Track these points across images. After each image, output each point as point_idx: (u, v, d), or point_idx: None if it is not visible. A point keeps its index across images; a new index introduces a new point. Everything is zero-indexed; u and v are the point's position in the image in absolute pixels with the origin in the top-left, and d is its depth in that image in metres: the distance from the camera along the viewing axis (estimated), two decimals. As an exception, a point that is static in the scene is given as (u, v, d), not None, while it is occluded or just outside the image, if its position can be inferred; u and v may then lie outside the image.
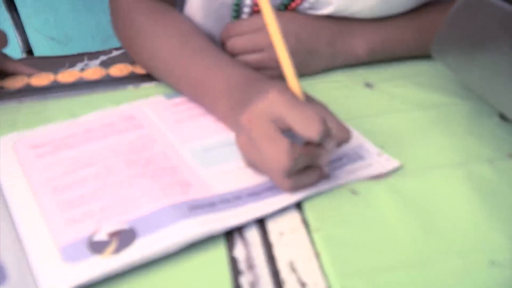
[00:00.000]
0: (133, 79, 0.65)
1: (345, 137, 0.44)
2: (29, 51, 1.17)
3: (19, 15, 1.16)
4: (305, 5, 0.60)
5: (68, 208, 0.44)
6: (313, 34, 0.60)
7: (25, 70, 0.66)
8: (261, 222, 0.43)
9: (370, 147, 0.50)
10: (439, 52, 0.55)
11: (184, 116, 0.56)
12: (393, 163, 0.48)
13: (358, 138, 0.51)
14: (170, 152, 0.51)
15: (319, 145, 0.43)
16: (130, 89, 0.63)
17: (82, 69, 0.69)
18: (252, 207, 0.44)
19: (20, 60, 0.69)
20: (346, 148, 0.50)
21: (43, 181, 0.48)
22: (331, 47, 0.61)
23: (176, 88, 0.59)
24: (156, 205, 0.44)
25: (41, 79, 0.65)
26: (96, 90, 0.63)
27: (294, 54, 0.58)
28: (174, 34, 0.59)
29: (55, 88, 0.64)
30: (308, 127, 0.41)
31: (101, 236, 0.41)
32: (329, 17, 0.61)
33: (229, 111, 0.51)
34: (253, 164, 0.46)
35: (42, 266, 0.39)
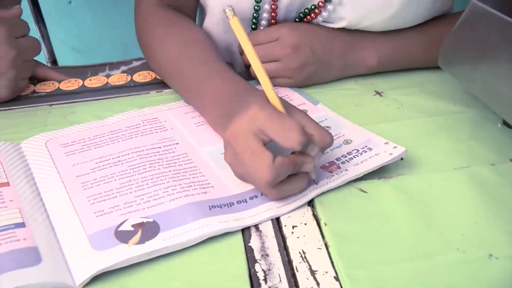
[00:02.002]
0: (155, 85, 0.69)
1: (327, 142, 0.46)
2: (53, 61, 1.22)
3: (46, 27, 1.21)
4: (319, 18, 0.64)
5: (97, 202, 0.48)
6: (326, 45, 0.63)
7: (55, 76, 0.71)
8: (275, 217, 0.46)
9: (377, 139, 0.53)
10: (445, 62, 0.58)
11: (203, 120, 0.60)
12: (400, 149, 0.51)
13: (366, 134, 0.54)
14: (190, 154, 0.54)
15: (303, 153, 0.45)
16: (152, 94, 0.67)
17: (108, 75, 0.72)
18: (266, 207, 0.47)
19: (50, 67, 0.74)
20: (356, 143, 0.53)
21: (72, 176, 0.51)
22: (343, 59, 0.64)
23: (177, 92, 0.63)
24: (177, 202, 0.47)
25: (70, 84, 0.70)
26: (121, 94, 0.67)
27: (308, 64, 0.63)
28: (181, 42, 0.63)
29: (83, 93, 0.68)
30: (288, 138, 0.43)
31: (127, 227, 0.45)
32: (342, 30, 0.64)
33: (217, 120, 0.54)
34: (241, 176, 0.49)
35: (73, 252, 0.42)
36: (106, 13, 1.66)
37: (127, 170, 0.52)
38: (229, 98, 0.53)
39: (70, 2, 1.62)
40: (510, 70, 0.48)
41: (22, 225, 0.45)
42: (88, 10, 1.64)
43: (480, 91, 0.54)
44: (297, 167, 0.46)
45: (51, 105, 0.66)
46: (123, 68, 1.34)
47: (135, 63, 1.20)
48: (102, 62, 1.39)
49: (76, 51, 1.65)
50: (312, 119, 0.47)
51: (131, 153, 0.54)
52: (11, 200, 0.48)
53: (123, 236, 0.44)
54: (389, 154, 0.50)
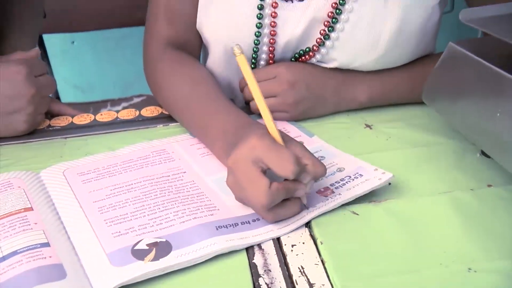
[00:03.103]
0: (162, 119, 0.74)
1: (321, 172, 0.51)
2: (56, 98, 1.28)
3: (50, 66, 1.28)
4: (313, 60, 0.70)
5: (114, 224, 0.52)
6: (321, 83, 0.69)
7: (68, 111, 0.76)
8: (276, 237, 0.51)
9: (368, 167, 0.59)
10: (429, 98, 0.64)
11: (207, 151, 0.65)
12: (388, 175, 0.56)
13: (357, 162, 0.60)
14: (197, 181, 0.59)
15: (296, 180, 0.50)
16: (160, 128, 0.72)
17: (117, 110, 0.78)
18: (268, 229, 0.52)
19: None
20: (348, 170, 0.58)
21: (90, 202, 0.56)
22: (336, 95, 0.70)
23: (186, 128, 0.69)
24: (187, 224, 0.52)
25: (83, 119, 0.75)
26: (131, 128, 0.72)
27: (304, 100, 0.68)
28: (188, 82, 0.69)
29: (95, 126, 0.73)
30: (283, 167, 0.49)
31: (142, 246, 0.49)
32: (335, 69, 0.70)
33: (222, 152, 0.59)
34: (241, 200, 0.54)
35: (94, 268, 0.47)
36: (107, 53, 1.73)
37: (139, 196, 0.57)
38: (233, 131, 0.58)
39: (73, 42, 1.69)
40: (485, 107, 0.54)
41: (47, 244, 0.49)
42: (90, 50, 1.71)
43: (460, 124, 0.59)
44: (290, 193, 0.51)
45: (65, 138, 0.71)
46: (124, 104, 1.40)
47: (136, 100, 1.26)
48: (103, 99, 1.45)
49: (78, 88, 1.71)
50: (307, 150, 0.52)
51: (143, 181, 0.59)
52: (35, 223, 0.52)
53: (139, 254, 0.48)
54: (378, 179, 0.55)
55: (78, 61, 1.70)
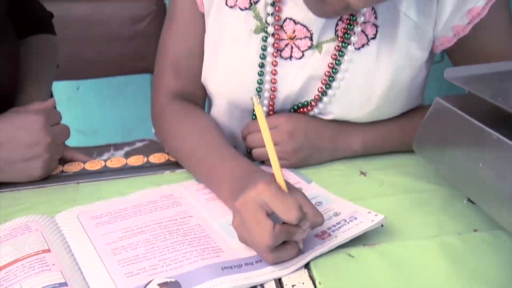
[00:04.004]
0: (169, 165, 0.79)
1: (319, 222, 0.56)
2: (61, 142, 1.34)
3: (56, 110, 1.33)
4: (311, 113, 0.75)
5: (126, 265, 0.56)
6: (318, 133, 0.74)
7: (80, 157, 0.81)
8: (277, 277, 0.55)
9: (361, 210, 0.63)
10: (418, 147, 0.69)
11: (212, 196, 0.70)
12: (380, 217, 0.60)
13: (352, 207, 0.64)
14: (203, 225, 0.64)
15: (296, 225, 0.55)
16: (167, 174, 0.77)
17: (126, 156, 0.82)
18: (270, 269, 0.56)
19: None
20: (344, 215, 0.63)
21: (103, 244, 0.60)
22: (332, 144, 0.75)
23: (194, 175, 0.73)
24: (195, 265, 0.56)
25: (94, 165, 0.79)
26: (139, 174, 0.77)
27: (302, 148, 0.73)
28: (195, 131, 0.74)
29: (106, 172, 0.78)
30: (288, 213, 0.53)
31: (154, 285, 0.53)
32: (331, 120, 0.75)
33: (229, 196, 0.63)
34: (244, 241, 0.58)
35: (110, 306, 0.51)
36: (110, 99, 1.80)
37: (150, 238, 0.61)
38: (240, 177, 0.63)
39: (78, 88, 1.76)
40: (469, 157, 0.59)
41: (65, 284, 0.53)
42: (94, 96, 1.78)
43: (447, 172, 0.64)
44: (290, 236, 0.55)
45: (78, 183, 0.75)
46: (127, 149, 1.46)
47: (138, 144, 1.31)
48: (107, 143, 1.50)
49: (82, 133, 1.76)
50: (308, 200, 0.57)
51: (153, 224, 0.63)
52: (53, 264, 0.56)
53: (151, 293, 0.52)
54: (371, 221, 0.60)
55: (82, 106, 1.77)
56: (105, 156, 1.55)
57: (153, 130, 1.55)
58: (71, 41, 1.35)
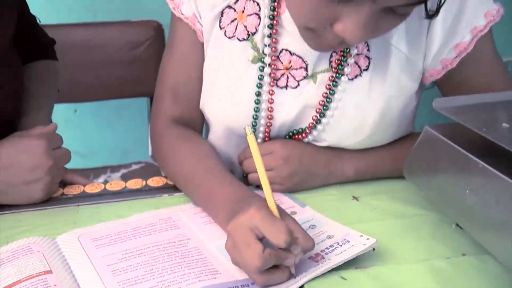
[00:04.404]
0: (167, 189, 0.81)
1: (309, 246, 0.58)
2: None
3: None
4: (305, 140, 0.78)
5: (126, 286, 0.58)
6: (312, 159, 0.77)
7: (80, 181, 0.82)
8: (273, 299, 0.57)
9: (354, 233, 0.65)
10: (409, 173, 0.71)
11: (209, 219, 0.72)
12: (372, 241, 0.62)
13: (345, 230, 0.66)
14: (200, 247, 0.66)
15: (287, 249, 0.57)
16: (165, 197, 0.79)
17: (125, 180, 0.84)
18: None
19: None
20: (337, 238, 0.65)
21: (104, 265, 0.62)
22: (326, 169, 0.78)
23: (191, 198, 0.75)
24: (193, 286, 0.58)
25: (93, 188, 0.81)
26: (138, 197, 0.79)
27: (297, 174, 0.76)
28: (193, 156, 0.76)
29: (105, 195, 0.80)
30: (277, 237, 0.56)
31: (153, 306, 0.55)
32: (325, 147, 0.78)
33: (225, 220, 0.65)
34: (237, 263, 0.60)
35: (110, 326, 0.52)
36: (108, 121, 1.82)
37: (149, 260, 0.63)
38: (235, 201, 0.65)
39: (76, 111, 1.78)
40: (456, 184, 0.61)
41: (67, 304, 0.55)
42: (92, 118, 1.80)
43: (436, 198, 0.67)
44: (281, 260, 0.57)
45: (78, 205, 0.77)
46: (123, 171, 1.47)
47: (135, 167, 1.33)
48: (103, 165, 1.52)
49: (79, 155, 1.78)
50: (299, 225, 0.59)
51: (151, 246, 0.65)
52: (55, 285, 0.58)
53: (150, 314, 0.54)
54: (363, 244, 0.62)
55: (79, 129, 1.79)
56: (101, 178, 1.57)
57: (150, 153, 1.58)
58: (71, 65, 1.38)
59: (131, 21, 1.51)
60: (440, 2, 0.56)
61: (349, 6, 0.56)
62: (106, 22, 1.54)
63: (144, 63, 1.52)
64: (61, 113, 1.69)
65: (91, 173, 1.53)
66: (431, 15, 0.56)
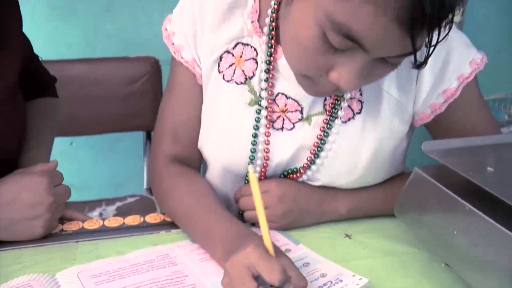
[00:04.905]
0: (164, 225, 0.83)
1: (302, 285, 0.60)
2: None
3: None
4: (300, 179, 0.80)
5: (125, 323, 0.60)
6: (306, 197, 0.79)
7: (79, 217, 0.84)
8: (268, 337, 0.59)
9: (347, 273, 0.67)
10: (399, 212, 0.74)
11: (206, 256, 0.73)
12: (364, 281, 0.65)
13: (338, 269, 0.68)
14: (198, 284, 0.67)
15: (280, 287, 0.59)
16: (162, 234, 0.81)
17: (121, 213, 0.85)
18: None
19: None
20: (330, 276, 0.67)
21: (103, 302, 0.63)
22: (319, 208, 0.80)
23: (189, 235, 0.77)
24: (190, 322, 0.59)
25: (92, 224, 0.83)
26: (136, 233, 0.81)
27: (291, 212, 0.78)
28: (191, 194, 0.79)
29: (104, 231, 0.81)
30: (271, 275, 0.58)
31: None
32: (319, 186, 0.80)
33: (222, 257, 0.68)
34: None
35: None
36: (103, 154, 1.84)
37: (148, 297, 0.64)
38: (232, 240, 0.68)
39: (72, 143, 1.80)
40: (444, 225, 0.64)
41: None
42: (88, 151, 1.82)
43: (425, 237, 0.69)
44: None
45: (77, 241, 0.78)
46: (119, 204, 1.49)
47: (130, 200, 1.34)
48: (98, 198, 1.53)
49: (74, 187, 1.79)
50: (293, 264, 0.62)
51: (150, 283, 0.67)
52: (56, 321, 0.59)
53: None
54: (356, 284, 0.64)
55: (75, 161, 1.80)
56: (97, 211, 1.58)
57: (145, 185, 1.59)
58: (69, 99, 1.39)
59: (129, 57, 1.55)
60: (428, 53, 0.59)
61: (344, 56, 0.59)
62: (104, 58, 1.58)
63: (141, 97, 1.55)
64: (57, 145, 1.69)
65: (86, 206, 1.54)
66: (419, 65, 0.60)
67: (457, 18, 1.84)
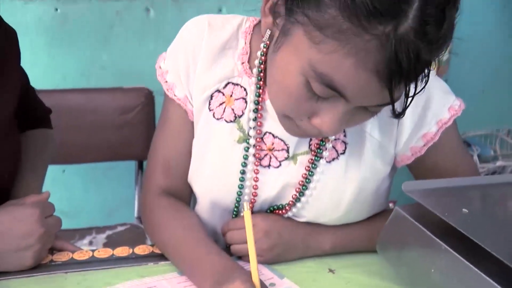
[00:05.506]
0: (153, 257, 0.84)
1: None
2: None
3: (41, 194, 1.38)
4: (285, 215, 0.83)
5: None
6: (291, 232, 0.82)
7: (69, 247, 0.86)
8: None
9: None
10: (381, 249, 0.76)
11: (192, 288, 0.75)
12: None
13: None
14: (183, 316, 0.69)
15: None
16: (150, 265, 0.82)
17: (111, 242, 0.87)
18: None
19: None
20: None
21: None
22: (304, 243, 0.82)
23: (178, 267, 0.79)
24: None
25: (82, 255, 0.85)
26: (125, 265, 0.82)
27: (276, 246, 0.80)
28: (181, 227, 0.81)
29: (93, 262, 0.83)
30: None
31: None
32: (304, 222, 0.83)
33: None
34: None
35: None
36: (95, 182, 1.85)
37: (135, 329, 0.66)
38: (220, 273, 0.70)
39: (64, 171, 1.81)
40: (423, 263, 0.67)
41: None
42: (79, 179, 1.83)
43: (405, 274, 0.71)
44: None
45: (66, 272, 0.80)
46: (108, 232, 1.50)
47: (120, 228, 1.35)
48: (89, 226, 1.54)
49: (64, 215, 1.79)
50: None
51: (138, 315, 0.69)
52: None
53: None
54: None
55: (66, 189, 1.82)
56: (86, 239, 1.58)
57: (135, 214, 1.60)
58: (63, 128, 1.42)
59: (123, 87, 1.58)
60: (406, 105, 0.63)
61: (326, 103, 0.63)
62: (99, 88, 1.61)
63: (133, 128, 1.58)
64: (49, 173, 1.70)
65: (76, 233, 1.55)
66: (398, 115, 0.63)
67: (444, 56, 1.89)
